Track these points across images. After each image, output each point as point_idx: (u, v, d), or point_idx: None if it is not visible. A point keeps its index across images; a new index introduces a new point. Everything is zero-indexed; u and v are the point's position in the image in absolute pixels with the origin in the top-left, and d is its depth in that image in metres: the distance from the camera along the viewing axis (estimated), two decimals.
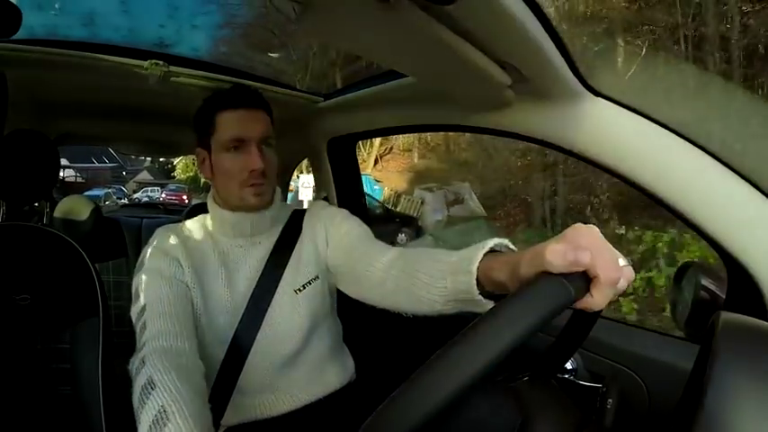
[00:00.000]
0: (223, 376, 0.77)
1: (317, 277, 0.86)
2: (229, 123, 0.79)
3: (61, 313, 0.82)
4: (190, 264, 0.78)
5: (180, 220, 0.99)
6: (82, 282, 0.83)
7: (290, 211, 0.92)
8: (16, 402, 0.77)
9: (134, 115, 1.33)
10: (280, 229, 0.88)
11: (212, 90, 0.93)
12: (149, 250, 0.80)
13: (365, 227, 0.87)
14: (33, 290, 0.80)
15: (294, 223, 0.90)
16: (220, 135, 0.79)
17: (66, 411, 0.79)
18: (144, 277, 0.76)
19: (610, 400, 0.49)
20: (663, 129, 0.63)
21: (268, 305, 0.80)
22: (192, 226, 0.86)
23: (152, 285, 0.74)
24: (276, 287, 0.82)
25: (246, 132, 0.78)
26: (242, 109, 0.79)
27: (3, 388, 0.76)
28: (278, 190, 0.89)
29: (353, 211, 1.41)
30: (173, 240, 0.80)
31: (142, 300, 0.72)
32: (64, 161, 15.34)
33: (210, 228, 0.86)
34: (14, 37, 0.72)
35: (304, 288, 0.84)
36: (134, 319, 0.72)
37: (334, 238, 0.86)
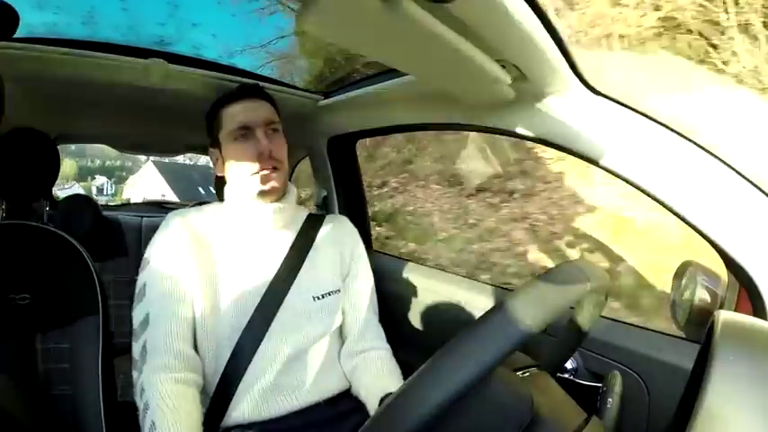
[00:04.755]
0: (227, 375, 0.77)
1: (339, 290, 0.87)
2: (233, 114, 0.82)
3: (61, 312, 0.82)
4: (198, 260, 0.78)
5: None
6: (82, 281, 0.83)
7: (305, 213, 0.93)
8: (16, 402, 0.77)
9: (134, 114, 1.33)
10: (297, 228, 0.88)
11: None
12: (158, 242, 0.80)
13: (372, 281, 0.94)
14: (33, 289, 0.80)
15: (312, 225, 0.90)
16: (226, 127, 0.82)
17: (66, 411, 0.79)
18: (150, 278, 0.77)
19: (610, 400, 0.49)
20: (663, 128, 0.63)
21: (281, 303, 0.80)
22: (206, 217, 0.85)
23: (156, 291, 0.75)
24: (290, 287, 0.81)
25: (250, 119, 0.81)
26: (244, 100, 0.83)
27: (2, 388, 0.76)
28: (293, 189, 0.89)
29: (355, 211, 1.41)
30: (183, 231, 0.80)
31: (144, 306, 0.75)
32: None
33: (225, 220, 0.85)
34: (14, 36, 0.72)
35: (323, 297, 0.84)
36: (135, 324, 0.75)
37: (352, 272, 0.91)
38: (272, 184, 0.81)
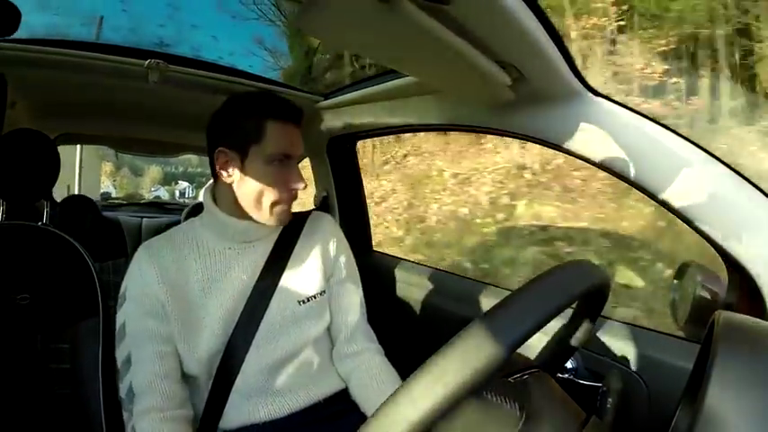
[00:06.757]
0: (219, 381, 0.77)
1: (324, 292, 0.85)
2: (280, 136, 0.76)
3: (61, 313, 0.82)
4: (172, 289, 0.75)
5: (179, 221, 0.98)
6: (82, 281, 0.83)
7: None
8: (16, 402, 0.77)
9: (134, 115, 1.33)
10: (277, 233, 0.85)
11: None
12: (130, 280, 0.77)
13: (358, 279, 0.92)
14: (33, 289, 0.80)
15: (292, 227, 0.87)
16: (268, 146, 0.75)
17: (66, 411, 0.79)
18: (128, 318, 0.75)
19: (610, 400, 0.49)
20: (663, 129, 0.63)
21: (265, 310, 0.79)
22: (180, 235, 0.81)
23: (135, 330, 0.74)
24: (274, 292, 0.80)
25: (293, 149, 0.78)
26: (291, 124, 0.78)
27: (3, 388, 0.76)
28: None
29: (355, 212, 1.41)
30: (153, 266, 0.76)
31: (126, 346, 0.74)
32: None
33: (201, 232, 0.81)
34: (15, 36, 0.72)
35: (309, 301, 0.82)
36: (119, 364, 0.74)
37: (336, 271, 0.89)
38: (287, 217, 0.80)
